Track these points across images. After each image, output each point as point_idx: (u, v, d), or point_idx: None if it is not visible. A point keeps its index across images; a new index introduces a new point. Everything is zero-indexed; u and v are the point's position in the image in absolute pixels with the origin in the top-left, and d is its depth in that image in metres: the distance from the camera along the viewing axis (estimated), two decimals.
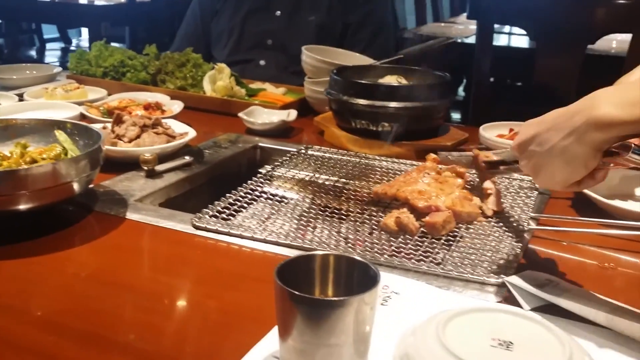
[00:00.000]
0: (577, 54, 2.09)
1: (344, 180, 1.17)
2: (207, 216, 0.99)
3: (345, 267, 0.66)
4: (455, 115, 3.63)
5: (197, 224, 0.97)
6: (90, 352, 0.69)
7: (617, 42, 2.62)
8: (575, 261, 0.92)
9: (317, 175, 1.19)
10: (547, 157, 0.74)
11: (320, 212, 1.07)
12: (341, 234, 0.99)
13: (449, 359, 0.61)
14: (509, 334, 0.65)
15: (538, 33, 2.20)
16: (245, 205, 1.06)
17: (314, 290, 0.66)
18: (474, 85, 2.31)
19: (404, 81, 1.40)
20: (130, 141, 1.25)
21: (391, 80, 1.39)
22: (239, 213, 1.04)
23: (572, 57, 2.09)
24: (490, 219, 1.00)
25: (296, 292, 0.59)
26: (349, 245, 0.95)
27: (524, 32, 2.58)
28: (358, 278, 0.64)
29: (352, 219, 1.03)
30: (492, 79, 2.80)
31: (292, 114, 1.49)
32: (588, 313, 0.72)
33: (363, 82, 1.38)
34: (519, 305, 0.75)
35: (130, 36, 4.35)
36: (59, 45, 6.16)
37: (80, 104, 1.55)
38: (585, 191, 1.05)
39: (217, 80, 1.67)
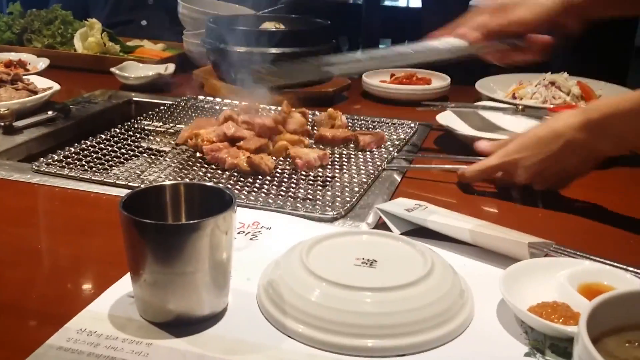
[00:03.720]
0: (461, 7, 2.13)
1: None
2: (50, 161, 0.92)
3: (199, 196, 0.62)
4: None
5: (37, 168, 0.90)
6: None
7: None
8: (443, 186, 0.93)
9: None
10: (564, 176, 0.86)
11: (186, 160, 1.01)
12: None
13: (311, 280, 0.59)
14: (373, 253, 0.64)
15: None
16: (98, 152, 1.00)
17: (166, 221, 0.61)
18: (363, 44, 2.31)
19: (282, 27, 1.36)
20: None
21: (269, 26, 1.35)
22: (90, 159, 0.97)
23: (457, 11, 2.12)
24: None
25: (142, 220, 0.55)
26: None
27: None
28: (214, 206, 0.60)
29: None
30: (387, 43, 2.83)
31: (170, 68, 1.42)
32: (453, 231, 0.73)
33: (240, 28, 1.33)
34: (390, 231, 0.74)
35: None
36: None
37: None
38: (452, 127, 1.07)
39: (89, 37, 1.56)
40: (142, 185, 0.76)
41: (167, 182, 0.62)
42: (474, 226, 0.72)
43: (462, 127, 1.10)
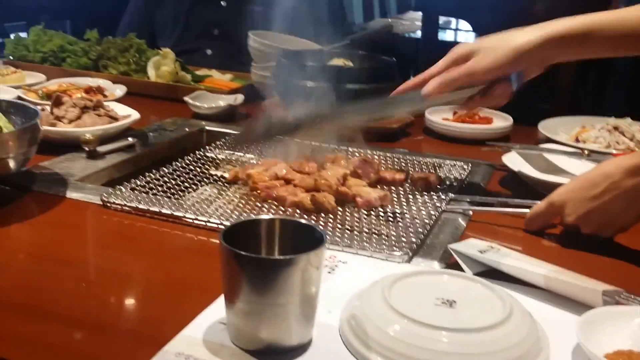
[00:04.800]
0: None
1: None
2: (120, 192, 0.97)
3: (292, 231, 0.66)
4: None
5: (105, 198, 0.94)
6: (31, 324, 0.66)
7: None
8: (513, 230, 0.95)
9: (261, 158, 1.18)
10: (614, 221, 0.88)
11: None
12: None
13: (394, 317, 0.62)
14: (452, 294, 0.66)
15: (480, 25, 2.26)
16: (174, 179, 1.05)
17: (260, 254, 0.65)
18: None
19: (350, 64, 1.41)
20: (70, 122, 1.22)
21: (338, 63, 1.39)
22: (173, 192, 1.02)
23: None
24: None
25: (242, 253, 0.59)
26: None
27: (469, 27, 2.64)
28: (304, 241, 0.64)
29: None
30: None
31: (239, 98, 1.48)
32: (527, 276, 0.75)
33: (310, 64, 1.38)
34: (462, 271, 0.77)
35: (72, 30, 4.22)
36: None
37: (17, 87, 1.50)
38: (520, 170, 1.08)
39: (162, 66, 1.64)
40: (241, 218, 0.80)
41: (264, 217, 0.66)
42: (548, 272, 0.74)
43: (526, 169, 1.12)
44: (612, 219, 0.87)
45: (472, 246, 0.81)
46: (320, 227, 0.64)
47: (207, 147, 1.21)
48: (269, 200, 0.98)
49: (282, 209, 0.96)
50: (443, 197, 1.02)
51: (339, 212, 0.95)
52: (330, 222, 0.92)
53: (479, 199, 1.04)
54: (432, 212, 0.96)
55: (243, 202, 0.99)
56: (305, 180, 1.01)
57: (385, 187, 1.07)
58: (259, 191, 1.00)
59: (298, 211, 0.95)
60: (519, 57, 0.93)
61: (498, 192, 1.10)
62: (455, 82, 0.97)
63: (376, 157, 1.18)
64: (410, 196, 1.03)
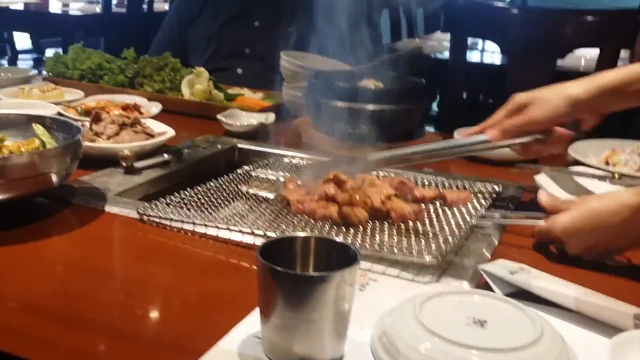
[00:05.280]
0: (547, 68, 2.15)
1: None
2: (155, 206, 0.99)
3: (326, 249, 0.68)
4: (429, 129, 3.69)
5: (141, 211, 0.97)
6: (71, 332, 0.69)
7: (585, 59, 2.71)
8: (543, 252, 0.95)
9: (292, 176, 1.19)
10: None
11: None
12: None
13: (426, 336, 0.63)
14: (483, 313, 0.67)
15: (509, 47, 2.26)
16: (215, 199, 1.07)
17: (295, 270, 0.67)
18: (447, 98, 2.36)
19: (380, 85, 1.43)
20: (108, 139, 1.26)
21: (368, 84, 1.42)
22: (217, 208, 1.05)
23: (542, 72, 2.14)
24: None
25: (279, 269, 0.61)
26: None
27: (497, 48, 2.65)
28: (338, 259, 0.66)
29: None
30: (465, 95, 2.87)
31: (270, 117, 1.51)
32: (558, 298, 0.75)
33: (341, 84, 1.41)
34: (492, 291, 0.78)
35: (106, 47, 4.33)
36: (31, 56, 6.08)
37: (57, 104, 1.54)
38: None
39: (195, 84, 1.68)
40: (275, 234, 0.82)
41: (300, 234, 0.68)
42: (579, 294, 0.74)
43: (556, 191, 1.12)
44: (617, 250, 0.90)
45: (502, 267, 0.81)
46: (355, 244, 0.66)
47: (243, 167, 1.23)
48: (299, 215, 1.00)
49: (312, 221, 0.98)
50: (474, 213, 1.03)
51: (369, 226, 0.96)
52: (358, 237, 0.92)
53: (511, 213, 1.05)
54: (463, 228, 0.97)
55: (273, 215, 1.01)
56: (341, 195, 1.02)
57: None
58: (290, 206, 1.02)
59: (327, 225, 0.97)
60: (574, 106, 1.01)
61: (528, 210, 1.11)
62: (516, 129, 1.06)
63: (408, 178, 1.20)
64: (441, 212, 1.05)
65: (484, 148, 1.13)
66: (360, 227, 0.96)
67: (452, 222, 1.00)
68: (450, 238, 0.92)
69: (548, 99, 1.03)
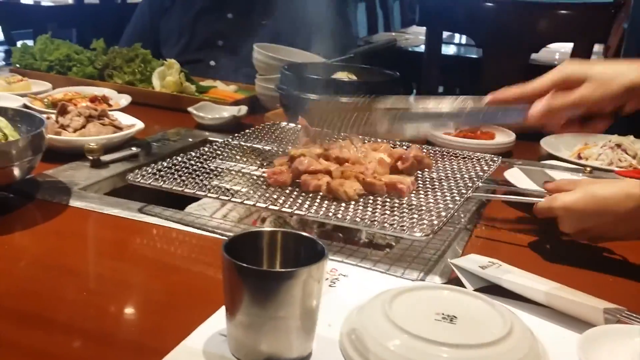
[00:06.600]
0: (521, 62, 2.16)
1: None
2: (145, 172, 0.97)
3: (293, 244, 0.66)
4: None
5: (130, 178, 0.96)
6: (30, 331, 0.67)
7: (560, 53, 2.72)
8: (515, 246, 0.95)
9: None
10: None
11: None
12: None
13: (395, 332, 0.62)
14: (453, 309, 0.66)
15: (484, 40, 2.27)
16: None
17: (261, 266, 0.65)
18: (422, 91, 2.36)
19: (354, 78, 1.42)
20: (75, 131, 1.22)
21: (342, 76, 1.40)
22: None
23: (516, 65, 2.16)
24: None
25: (244, 265, 0.59)
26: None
27: (472, 42, 2.65)
28: (306, 254, 0.64)
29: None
30: (441, 89, 2.87)
31: (242, 110, 1.48)
32: (528, 292, 0.75)
33: (314, 77, 1.39)
34: (463, 286, 0.77)
35: (78, 39, 4.25)
36: (3, 47, 5.94)
37: (23, 96, 1.50)
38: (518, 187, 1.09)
39: (167, 76, 1.65)
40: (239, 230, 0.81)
41: (266, 229, 0.66)
42: (549, 288, 0.74)
43: (528, 185, 1.12)
44: (611, 238, 0.91)
45: (473, 261, 0.81)
46: (322, 240, 0.64)
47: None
48: (291, 185, 0.98)
49: (304, 194, 0.95)
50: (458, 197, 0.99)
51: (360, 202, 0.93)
52: (340, 211, 0.89)
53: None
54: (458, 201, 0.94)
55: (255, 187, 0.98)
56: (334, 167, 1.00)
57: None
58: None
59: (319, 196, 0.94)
60: (631, 92, 0.88)
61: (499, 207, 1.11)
62: (563, 110, 0.88)
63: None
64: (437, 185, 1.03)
65: (516, 124, 0.96)
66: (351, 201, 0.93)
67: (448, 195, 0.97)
68: (444, 212, 0.89)
69: (605, 80, 0.88)
